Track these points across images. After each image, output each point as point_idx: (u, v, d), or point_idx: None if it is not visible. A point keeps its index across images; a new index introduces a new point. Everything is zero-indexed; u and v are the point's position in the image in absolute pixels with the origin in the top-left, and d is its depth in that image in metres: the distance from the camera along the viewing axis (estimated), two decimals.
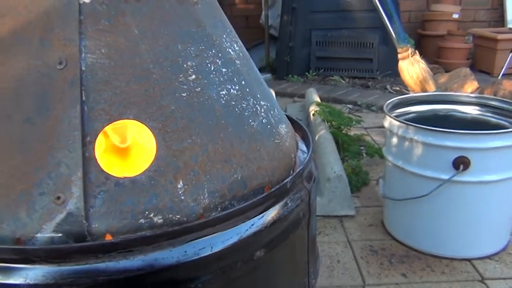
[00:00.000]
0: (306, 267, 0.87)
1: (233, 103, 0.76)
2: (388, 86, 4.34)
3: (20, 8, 0.71)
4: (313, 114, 3.35)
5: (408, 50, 2.92)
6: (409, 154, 2.04)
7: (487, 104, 2.30)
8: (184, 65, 0.72)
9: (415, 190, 2.00)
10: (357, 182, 2.82)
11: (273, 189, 0.74)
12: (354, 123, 3.25)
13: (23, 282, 0.62)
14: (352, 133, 3.40)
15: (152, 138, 0.67)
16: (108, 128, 0.66)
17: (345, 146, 3.16)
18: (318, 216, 2.43)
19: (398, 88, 4.21)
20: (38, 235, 0.64)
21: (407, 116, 2.32)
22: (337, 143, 3.14)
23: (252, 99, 0.80)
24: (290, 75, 4.70)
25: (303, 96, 4.11)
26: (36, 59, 0.69)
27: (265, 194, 0.73)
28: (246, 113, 0.77)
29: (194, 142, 0.69)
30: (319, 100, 3.69)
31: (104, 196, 0.65)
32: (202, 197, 0.68)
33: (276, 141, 0.81)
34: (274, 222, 0.74)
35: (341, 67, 4.65)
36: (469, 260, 1.97)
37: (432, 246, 2.03)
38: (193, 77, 0.72)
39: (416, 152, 2.05)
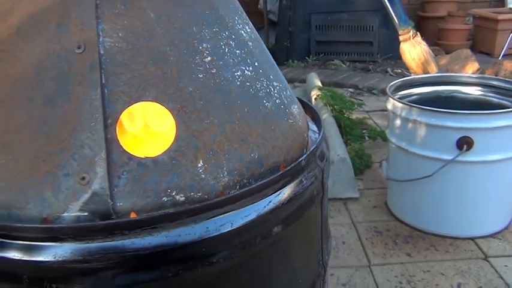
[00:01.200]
0: (320, 243, 0.89)
1: (248, 84, 0.78)
2: (389, 69, 4.34)
3: None
4: (315, 99, 3.36)
5: (409, 32, 2.92)
6: (412, 135, 2.06)
7: (489, 84, 2.31)
8: (200, 47, 0.73)
9: (419, 171, 2.02)
10: (360, 164, 2.84)
11: (289, 168, 0.76)
12: (355, 106, 3.27)
13: (53, 259, 0.64)
14: (354, 117, 3.42)
15: (172, 119, 0.69)
16: (128, 110, 0.68)
17: (348, 130, 3.18)
18: None
19: (399, 71, 4.22)
20: (65, 214, 0.66)
21: (410, 98, 2.33)
22: (339, 126, 3.16)
23: (265, 80, 0.81)
24: (290, 60, 4.70)
25: (303, 81, 4.12)
26: (55, 44, 0.70)
27: (282, 172, 0.75)
28: (260, 94, 0.79)
29: (212, 122, 0.71)
30: (320, 84, 3.70)
31: (127, 176, 0.67)
32: (221, 175, 0.70)
33: (290, 121, 0.83)
34: (290, 199, 0.76)
35: (341, 51, 4.65)
36: (472, 238, 2.01)
37: (436, 226, 2.06)
38: (209, 58, 0.74)
39: (420, 133, 2.07)
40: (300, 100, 1.06)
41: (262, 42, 0.91)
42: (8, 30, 0.74)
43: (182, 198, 0.68)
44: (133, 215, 0.67)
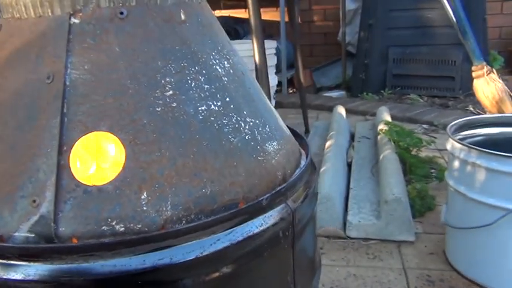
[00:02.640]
0: (291, 287, 0.85)
1: (212, 119, 0.77)
2: (470, 106, 4.07)
3: (25, 28, 0.79)
4: (380, 134, 3.24)
5: (483, 68, 2.73)
6: (471, 179, 1.91)
7: None
8: (162, 81, 0.75)
9: (477, 219, 1.86)
10: (421, 206, 2.67)
11: (244, 206, 0.74)
12: (423, 144, 3.10)
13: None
14: (423, 155, 3.24)
15: (122, 149, 0.71)
16: (82, 139, 0.71)
17: (412, 168, 3.01)
18: (373, 239, 2.35)
19: (482, 109, 3.93)
20: (16, 234, 0.70)
21: (474, 139, 2.17)
22: (404, 164, 3.00)
23: (235, 116, 0.81)
24: (365, 93, 4.60)
25: (375, 114, 4.00)
26: (32, 74, 0.76)
27: (234, 210, 0.73)
28: (225, 129, 0.78)
29: (163, 155, 0.72)
30: (389, 119, 3.57)
31: (72, 202, 0.69)
32: (164, 209, 0.70)
33: (259, 158, 0.81)
34: (244, 240, 0.73)
35: (419, 85, 4.45)
36: None
37: (497, 281, 1.86)
38: (170, 92, 0.75)
39: (480, 178, 1.91)
40: (298, 136, 1.03)
41: (248, 78, 0.90)
42: (0, 61, 0.81)
43: (122, 229, 0.69)
44: (74, 241, 0.69)
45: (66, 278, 0.67)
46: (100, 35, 0.75)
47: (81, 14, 0.76)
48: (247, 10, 2.72)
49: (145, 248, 0.68)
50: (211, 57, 0.83)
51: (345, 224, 2.41)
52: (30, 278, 0.67)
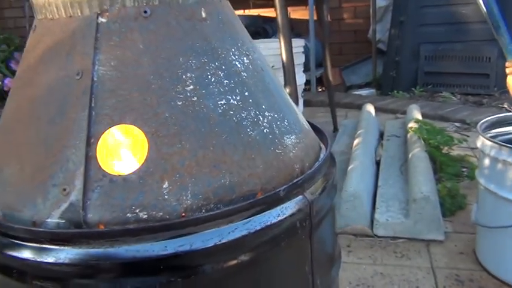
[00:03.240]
0: (310, 278, 0.87)
1: (231, 113, 0.80)
2: (505, 104, 3.96)
3: (57, 28, 0.85)
4: (409, 132, 3.21)
5: None
6: (502, 178, 1.88)
7: None
8: (183, 76, 0.79)
9: (508, 218, 1.83)
10: (452, 205, 2.63)
11: (261, 197, 0.76)
12: (455, 142, 3.04)
13: (32, 259, 0.73)
14: (455, 153, 3.18)
15: (145, 141, 0.75)
16: (109, 131, 0.75)
17: (443, 167, 2.97)
18: (401, 238, 2.33)
19: None
20: (48, 220, 0.75)
21: (505, 137, 2.13)
22: (434, 163, 2.96)
23: (254, 110, 0.83)
24: (395, 91, 4.54)
25: (406, 112, 3.95)
26: (62, 70, 0.81)
27: (252, 200, 0.76)
28: (244, 123, 0.81)
29: (183, 147, 0.75)
30: (420, 117, 3.52)
31: (99, 191, 0.74)
32: (184, 198, 0.73)
33: (277, 151, 0.84)
34: (262, 229, 0.76)
35: (452, 83, 4.37)
36: None
37: None
38: (191, 87, 0.78)
39: (510, 176, 1.88)
40: (319, 132, 1.05)
41: (267, 73, 0.93)
42: (34, 58, 0.87)
43: (145, 216, 0.73)
44: (101, 227, 0.73)
45: (94, 261, 0.71)
46: (125, 33, 0.79)
47: (107, 14, 0.80)
48: (275, 9, 2.74)
49: (166, 234, 0.71)
50: (231, 53, 0.86)
51: (372, 222, 2.40)
52: (61, 261, 0.72)
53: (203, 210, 0.75)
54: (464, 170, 3.05)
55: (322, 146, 1.03)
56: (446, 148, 3.07)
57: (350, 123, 3.82)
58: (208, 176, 0.75)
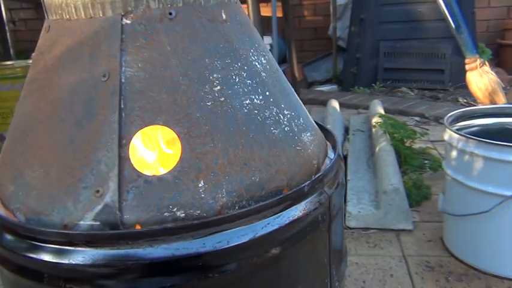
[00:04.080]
0: (328, 268, 0.91)
1: (256, 112, 0.83)
2: (460, 98, 4.18)
3: (76, 28, 0.84)
4: (375, 126, 3.32)
5: (476, 60, 2.83)
6: (469, 168, 1.98)
7: None
8: (210, 77, 0.81)
9: (475, 206, 1.94)
10: (418, 196, 2.75)
11: (290, 192, 0.80)
12: (417, 135, 3.18)
13: (67, 262, 0.73)
14: (417, 146, 3.32)
15: (178, 142, 0.76)
16: (141, 132, 0.76)
17: (407, 160, 3.10)
18: (373, 229, 2.42)
19: (470, 101, 4.05)
20: (81, 222, 0.75)
21: (470, 129, 2.25)
22: (399, 156, 3.08)
23: (275, 109, 0.86)
24: (356, 87, 4.68)
25: (368, 107, 4.08)
26: (86, 72, 0.81)
27: (281, 196, 0.79)
28: (268, 121, 0.84)
29: (215, 146, 0.77)
30: (382, 112, 3.65)
31: (135, 191, 0.74)
32: (220, 196, 0.75)
33: (298, 148, 0.87)
34: (290, 223, 0.79)
35: (410, 78, 4.55)
36: None
37: (493, 265, 1.94)
38: (218, 88, 0.80)
39: (477, 167, 1.99)
40: (322, 128, 1.09)
41: (281, 74, 0.96)
42: (51, 60, 0.86)
43: (182, 215, 0.74)
44: (137, 227, 0.74)
45: (133, 261, 0.72)
46: (151, 35, 0.80)
47: (132, 15, 0.81)
48: (247, 6, 2.77)
49: (204, 232, 0.73)
50: (250, 54, 0.88)
51: (344, 214, 2.47)
52: (99, 262, 0.72)
53: (236, 207, 0.77)
54: (426, 162, 3.20)
55: (328, 143, 1.07)
56: (409, 142, 3.21)
57: (316, 119, 3.91)
58: (239, 173, 0.78)
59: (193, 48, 0.81)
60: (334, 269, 0.93)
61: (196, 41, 0.82)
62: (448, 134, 2.12)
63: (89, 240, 0.73)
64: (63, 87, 0.82)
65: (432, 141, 3.58)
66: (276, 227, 0.78)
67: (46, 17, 0.91)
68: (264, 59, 0.91)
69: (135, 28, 0.80)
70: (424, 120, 3.93)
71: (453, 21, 2.77)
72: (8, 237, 0.78)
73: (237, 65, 0.84)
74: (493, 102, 2.78)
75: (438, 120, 3.89)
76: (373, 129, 3.38)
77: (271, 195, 0.81)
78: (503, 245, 1.92)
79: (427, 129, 3.70)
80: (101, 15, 0.82)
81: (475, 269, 2.00)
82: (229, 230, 0.74)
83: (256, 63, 0.88)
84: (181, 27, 0.82)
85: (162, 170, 0.75)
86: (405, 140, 3.19)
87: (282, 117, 0.87)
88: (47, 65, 0.86)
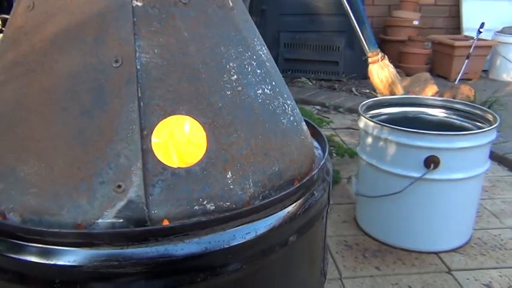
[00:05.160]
0: (322, 252, 0.95)
1: (267, 101, 0.83)
2: (353, 89, 4.51)
3: (73, 7, 0.75)
4: None
5: (378, 54, 3.08)
6: (383, 153, 2.16)
7: (452, 107, 2.46)
8: (227, 66, 0.79)
9: (388, 187, 2.11)
10: None
11: (304, 181, 0.82)
12: (324, 124, 3.38)
13: (88, 264, 0.66)
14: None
15: (203, 132, 0.73)
16: (164, 122, 0.72)
17: None
18: None
19: (363, 90, 4.39)
20: (99, 221, 0.69)
21: (380, 118, 2.44)
22: None
23: (281, 99, 0.87)
24: None
25: None
26: (91, 57, 0.73)
27: (298, 184, 0.80)
28: (278, 111, 0.85)
29: (239, 136, 0.76)
30: None
31: (161, 185, 0.70)
32: (248, 186, 0.75)
33: (302, 137, 0.89)
34: (305, 210, 0.82)
35: (308, 69, 4.79)
36: (436, 253, 2.10)
37: (403, 240, 2.15)
38: (235, 77, 0.79)
39: (390, 152, 2.17)
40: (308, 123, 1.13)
41: (275, 63, 0.97)
42: (41, 42, 0.76)
43: (212, 207, 0.72)
44: (166, 222, 0.70)
45: (164, 259, 0.68)
46: (167, 19, 0.75)
47: None
48: None
49: (234, 223, 0.72)
50: (255, 43, 0.88)
51: None
52: (127, 262, 0.67)
53: (260, 197, 0.77)
54: (331, 148, 3.42)
55: None
56: None
57: None
58: (262, 163, 0.78)
59: (209, 36, 0.78)
60: (325, 254, 0.98)
61: (211, 28, 0.79)
62: (364, 122, 2.28)
63: (115, 239, 0.67)
64: (62, 72, 0.74)
65: (334, 129, 3.82)
66: (293, 214, 0.79)
67: None
68: (265, 48, 0.91)
69: (148, 11, 0.75)
70: (324, 109, 4.17)
71: (356, 18, 2.98)
72: (6, 242, 0.69)
73: (248, 54, 0.83)
74: (392, 92, 3.06)
75: (337, 109, 4.15)
76: None
77: (287, 184, 0.82)
78: (411, 222, 2.13)
79: (328, 118, 3.94)
80: None
81: (387, 245, 2.19)
82: (257, 221, 0.74)
83: (261, 53, 0.88)
84: (195, 12, 0.78)
85: (189, 162, 0.72)
86: None
87: (287, 107, 0.88)
88: (36, 47, 0.76)
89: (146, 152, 0.70)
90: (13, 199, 0.72)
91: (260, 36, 0.92)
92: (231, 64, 0.79)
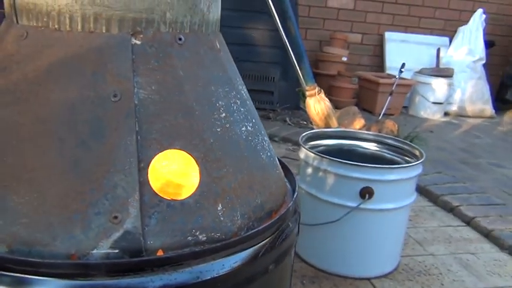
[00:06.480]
0: (290, 279, 1.02)
1: (250, 138, 0.89)
2: (287, 118, 4.69)
3: (70, 40, 0.77)
4: None
5: (315, 88, 3.25)
6: (321, 183, 2.27)
7: (383, 141, 2.65)
8: (217, 104, 0.84)
9: (326, 216, 2.22)
10: None
11: (283, 212, 0.88)
12: None
13: None
14: None
15: (196, 166, 0.77)
16: (160, 156, 0.75)
17: None
18: None
19: (297, 121, 4.58)
20: (94, 251, 0.70)
21: (318, 149, 2.58)
22: None
23: (260, 136, 0.94)
24: None
25: None
26: (89, 90, 0.75)
27: (278, 216, 0.87)
28: (258, 147, 0.91)
29: (228, 171, 0.81)
30: None
31: (157, 216, 0.73)
32: (236, 218, 0.80)
33: (277, 171, 0.96)
34: (282, 241, 0.88)
35: None
36: (368, 279, 2.24)
37: (338, 267, 2.25)
38: (224, 114, 0.84)
39: (329, 182, 2.30)
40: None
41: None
42: (35, 71, 0.77)
43: (204, 238, 0.76)
44: (160, 253, 0.73)
45: None
46: (164, 58, 0.79)
47: (142, 36, 0.79)
48: None
49: (223, 253, 0.76)
50: (238, 82, 0.94)
51: None
52: None
53: (245, 228, 0.82)
54: None
55: None
56: None
57: None
58: (247, 196, 0.83)
59: (202, 76, 0.83)
60: (291, 281, 1.04)
61: (203, 68, 0.84)
62: (304, 153, 2.40)
63: (112, 269, 0.68)
64: (58, 102, 0.75)
65: None
66: (273, 244, 0.85)
67: (15, 20, 0.81)
68: (245, 88, 0.97)
69: (146, 50, 0.79)
70: None
71: (295, 52, 3.14)
72: None
73: (233, 93, 0.89)
74: (327, 125, 3.23)
75: (272, 138, 4.29)
76: None
77: (267, 215, 0.88)
78: (347, 249, 2.26)
79: None
80: (104, 31, 0.78)
81: (323, 271, 2.29)
82: (244, 251, 0.79)
83: (243, 92, 0.94)
84: (189, 53, 0.83)
85: (184, 195, 0.76)
86: None
87: (265, 143, 0.94)
88: (29, 76, 0.77)
89: (143, 184, 0.73)
90: (0, 229, 0.71)
91: (240, 77, 0.99)
92: (220, 102, 0.85)
